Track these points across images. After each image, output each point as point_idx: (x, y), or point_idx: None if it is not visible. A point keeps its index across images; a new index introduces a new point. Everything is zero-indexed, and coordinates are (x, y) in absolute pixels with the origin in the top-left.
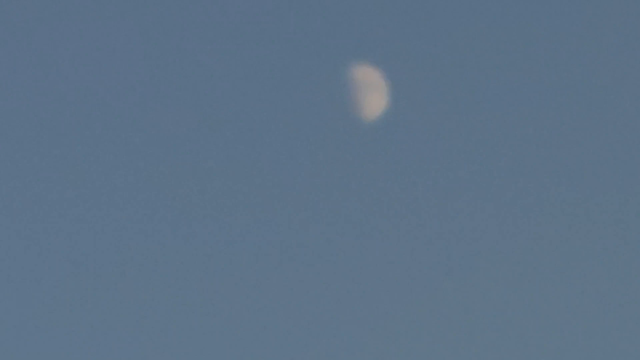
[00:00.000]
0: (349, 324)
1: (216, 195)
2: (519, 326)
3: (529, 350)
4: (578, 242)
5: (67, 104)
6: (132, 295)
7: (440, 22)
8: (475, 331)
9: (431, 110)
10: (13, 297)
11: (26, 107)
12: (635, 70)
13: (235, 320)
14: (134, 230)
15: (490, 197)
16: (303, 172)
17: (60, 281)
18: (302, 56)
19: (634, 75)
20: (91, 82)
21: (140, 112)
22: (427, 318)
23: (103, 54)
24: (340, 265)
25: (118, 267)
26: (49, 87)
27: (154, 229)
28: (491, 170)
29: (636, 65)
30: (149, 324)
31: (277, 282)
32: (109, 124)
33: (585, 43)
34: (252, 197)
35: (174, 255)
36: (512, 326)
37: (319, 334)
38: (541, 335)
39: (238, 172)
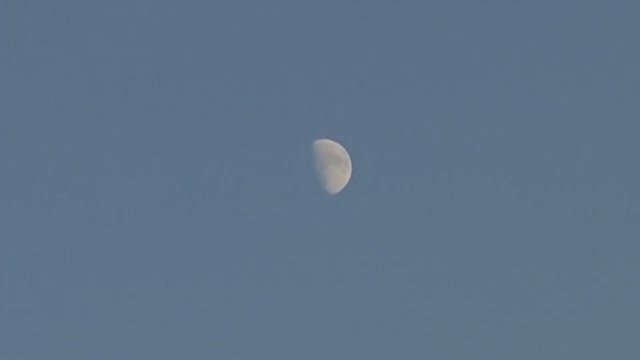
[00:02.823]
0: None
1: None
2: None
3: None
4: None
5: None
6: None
7: (394, 100)
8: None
9: (391, 183)
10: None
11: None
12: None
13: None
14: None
15: (447, 268)
16: (273, 239)
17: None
18: (270, 131)
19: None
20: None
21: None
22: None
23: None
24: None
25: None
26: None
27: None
28: (453, 238)
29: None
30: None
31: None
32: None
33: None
34: (227, 267)
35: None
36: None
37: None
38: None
39: (214, 241)
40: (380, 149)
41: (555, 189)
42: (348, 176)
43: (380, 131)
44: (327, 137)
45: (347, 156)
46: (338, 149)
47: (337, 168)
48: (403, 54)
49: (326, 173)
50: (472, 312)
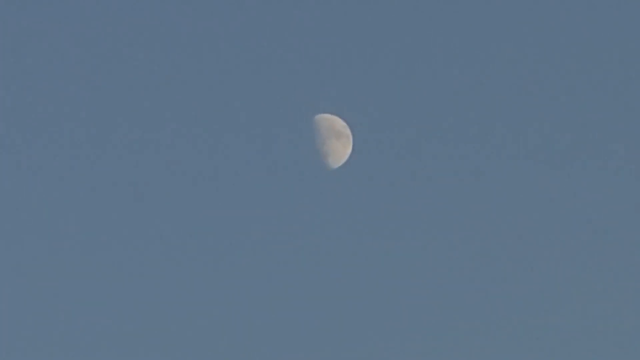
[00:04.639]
0: None
1: (193, 238)
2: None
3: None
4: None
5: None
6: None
7: (395, 75)
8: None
9: (391, 158)
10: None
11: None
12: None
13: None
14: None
15: (446, 240)
16: (274, 213)
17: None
18: (272, 106)
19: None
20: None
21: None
22: None
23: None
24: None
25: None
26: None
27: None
28: (451, 215)
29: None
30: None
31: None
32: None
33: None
34: (227, 239)
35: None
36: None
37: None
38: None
39: (216, 218)
40: (381, 124)
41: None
42: (349, 151)
43: (381, 106)
44: (329, 112)
45: (348, 131)
46: (339, 123)
47: (338, 142)
48: (403, 30)
49: (327, 147)
50: (470, 290)
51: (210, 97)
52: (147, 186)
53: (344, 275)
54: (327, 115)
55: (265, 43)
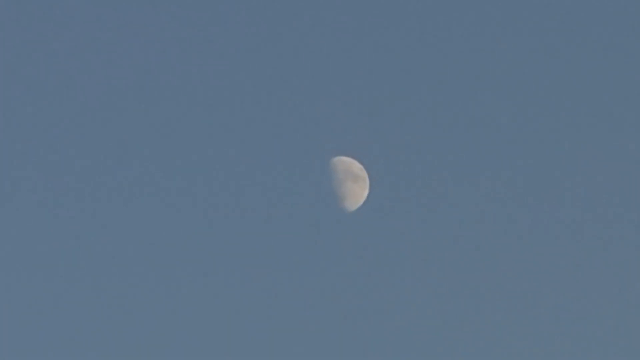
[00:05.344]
0: None
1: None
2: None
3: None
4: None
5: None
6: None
7: (412, 118)
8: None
9: (409, 201)
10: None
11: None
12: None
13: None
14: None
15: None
16: (291, 256)
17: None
18: (289, 148)
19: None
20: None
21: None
22: None
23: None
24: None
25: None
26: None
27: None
28: (470, 258)
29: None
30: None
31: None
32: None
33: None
34: (240, 282)
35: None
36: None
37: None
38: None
39: (230, 261)
40: (398, 167)
41: (570, 205)
42: (366, 193)
43: (398, 149)
44: (345, 155)
45: (365, 173)
46: (356, 166)
47: (355, 185)
48: (421, 73)
49: (344, 190)
50: (488, 329)
51: (225, 139)
52: (154, 228)
53: (362, 318)
54: (344, 158)
55: (282, 85)
